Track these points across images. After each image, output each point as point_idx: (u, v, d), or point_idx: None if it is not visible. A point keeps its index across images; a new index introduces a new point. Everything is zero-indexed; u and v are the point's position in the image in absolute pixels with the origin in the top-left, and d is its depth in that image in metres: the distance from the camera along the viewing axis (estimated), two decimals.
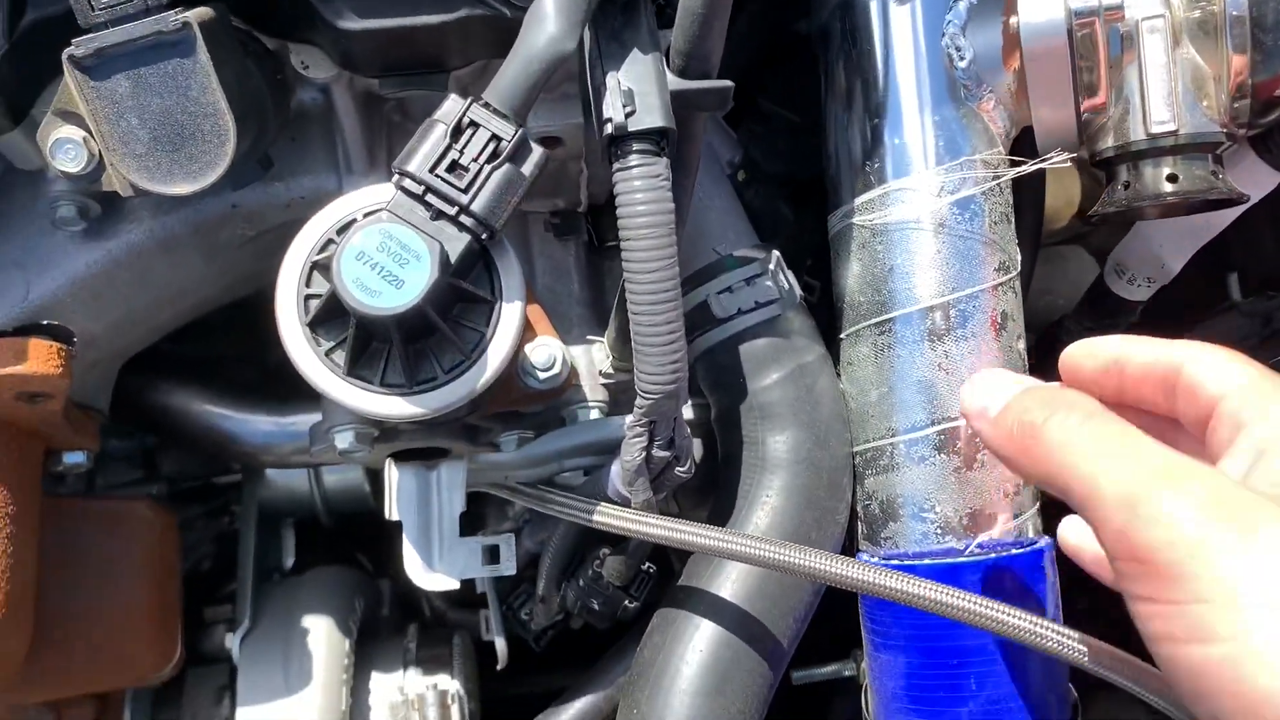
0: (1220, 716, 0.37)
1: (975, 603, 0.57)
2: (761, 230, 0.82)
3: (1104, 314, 0.91)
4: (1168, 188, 0.65)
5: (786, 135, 0.97)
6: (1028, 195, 0.84)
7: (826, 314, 0.77)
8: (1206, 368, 0.46)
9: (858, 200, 0.70)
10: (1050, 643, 0.55)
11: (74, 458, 0.77)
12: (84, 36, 0.53)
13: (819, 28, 0.74)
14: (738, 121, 0.98)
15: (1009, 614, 0.56)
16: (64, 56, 0.54)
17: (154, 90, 0.55)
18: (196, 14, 0.54)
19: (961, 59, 0.68)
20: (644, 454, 0.63)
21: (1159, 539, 0.38)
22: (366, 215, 0.56)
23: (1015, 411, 0.46)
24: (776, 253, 0.73)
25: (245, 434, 0.88)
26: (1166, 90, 0.64)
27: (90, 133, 0.58)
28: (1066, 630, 0.55)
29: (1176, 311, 1.10)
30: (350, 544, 1.13)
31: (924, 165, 0.69)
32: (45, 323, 0.68)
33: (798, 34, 0.90)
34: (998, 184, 0.68)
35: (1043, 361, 1.00)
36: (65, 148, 0.59)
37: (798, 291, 0.74)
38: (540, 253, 0.79)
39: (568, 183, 0.77)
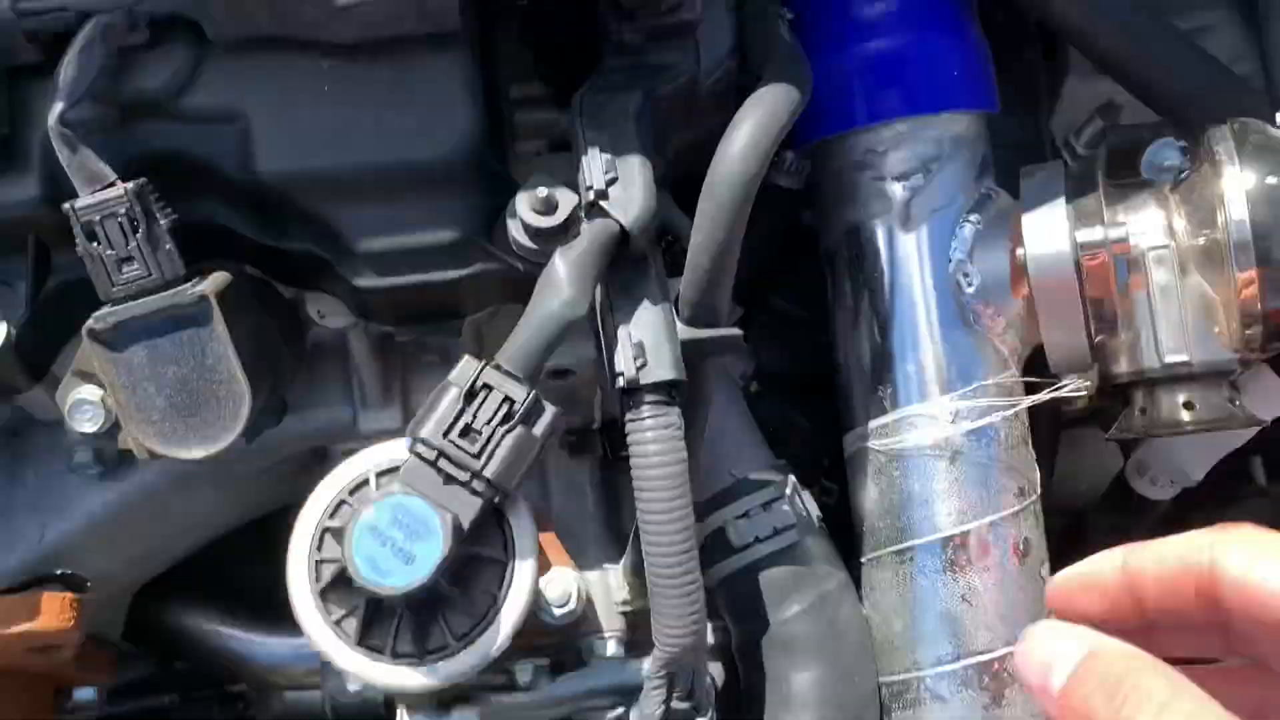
0: None
1: None
2: (777, 440, 0.81)
3: (1128, 511, 0.89)
4: (1185, 416, 0.65)
5: (799, 331, 0.97)
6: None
7: (846, 516, 0.76)
8: (1244, 565, 0.38)
9: (872, 424, 0.70)
10: None
11: (84, 694, 0.76)
12: (103, 310, 0.54)
13: (825, 249, 0.75)
14: (750, 319, 0.99)
15: None
16: (83, 330, 0.54)
17: (170, 359, 0.55)
18: (213, 282, 0.56)
19: (969, 285, 0.68)
20: (664, 707, 0.61)
21: None
22: (379, 475, 0.56)
23: (1078, 695, 0.39)
24: (793, 477, 0.73)
25: (259, 655, 0.86)
26: (1178, 319, 0.64)
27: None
28: None
29: (1202, 498, 1.08)
30: None
31: (937, 391, 0.68)
32: (59, 571, 0.68)
33: (807, 228, 0.91)
34: (1014, 410, 0.68)
35: (1065, 556, 0.98)
36: (83, 408, 0.59)
37: (815, 514, 0.73)
38: (555, 472, 0.78)
39: (581, 402, 0.77)
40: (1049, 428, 0.85)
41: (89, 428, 0.60)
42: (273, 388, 0.62)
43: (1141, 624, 0.41)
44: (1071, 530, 0.97)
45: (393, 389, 0.72)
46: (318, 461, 0.78)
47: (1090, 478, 1.03)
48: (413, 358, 0.72)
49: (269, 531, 0.88)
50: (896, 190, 0.70)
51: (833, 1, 0.70)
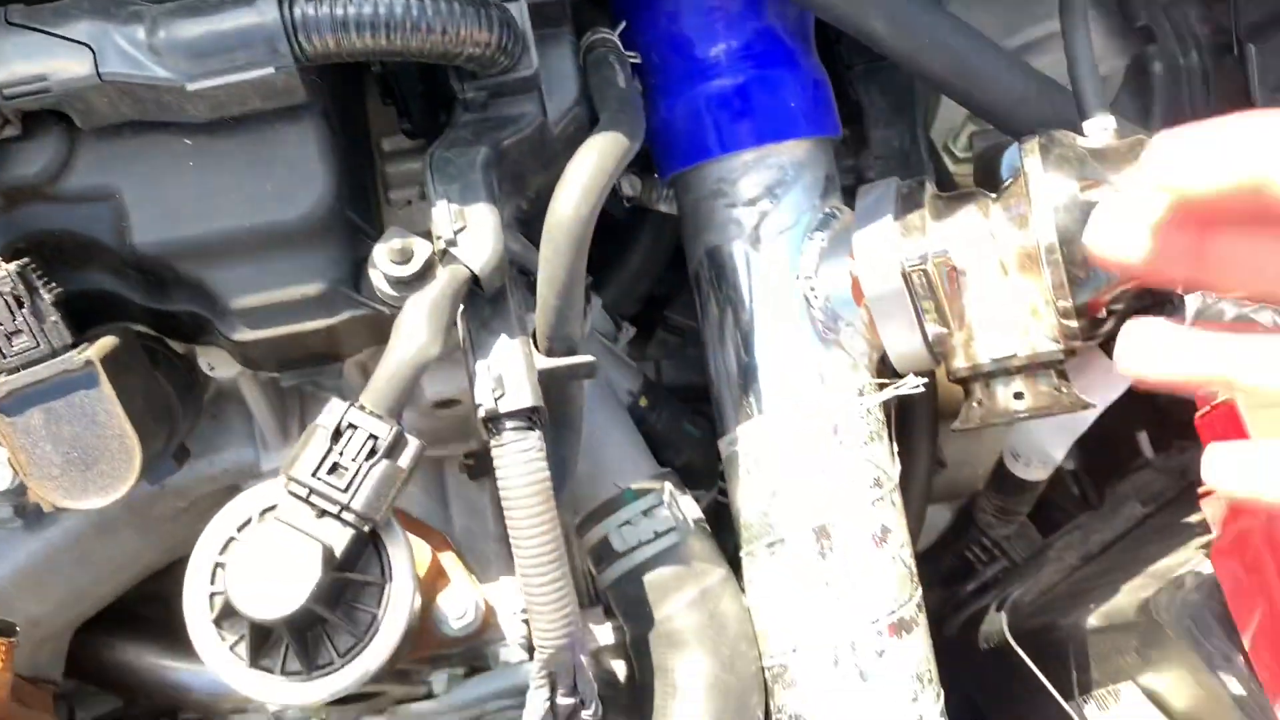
0: None
1: None
2: (670, 451, 0.87)
3: (1010, 491, 0.95)
4: (1016, 405, 0.70)
5: (695, 345, 1.03)
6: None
7: None
8: None
9: (739, 429, 0.76)
10: None
11: None
12: None
13: (691, 273, 0.80)
14: (651, 335, 1.05)
15: None
16: None
17: (64, 419, 0.60)
18: (99, 348, 0.61)
19: (816, 298, 0.74)
20: (549, 704, 0.66)
21: None
22: (263, 513, 0.61)
23: None
24: (669, 484, 0.78)
25: (200, 684, 0.91)
26: (1003, 317, 0.70)
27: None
28: None
29: (1097, 473, 1.14)
30: None
31: (795, 396, 0.74)
32: None
33: None
34: (864, 408, 0.74)
35: (960, 536, 1.04)
36: None
37: (695, 515, 0.79)
38: (456, 494, 0.84)
39: (476, 428, 0.82)
40: (927, 423, 0.91)
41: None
42: (169, 436, 0.67)
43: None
44: (965, 510, 1.03)
45: (291, 429, 0.77)
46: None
47: (987, 462, 1.09)
48: (310, 400, 0.78)
49: None
50: (747, 215, 0.76)
51: (679, 44, 0.76)
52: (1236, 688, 0.68)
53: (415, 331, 0.60)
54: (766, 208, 0.75)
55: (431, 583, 0.74)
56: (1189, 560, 0.71)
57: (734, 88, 0.75)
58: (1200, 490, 0.68)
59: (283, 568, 0.57)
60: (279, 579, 0.56)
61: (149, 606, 0.94)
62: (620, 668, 0.81)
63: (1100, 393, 0.75)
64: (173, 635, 0.93)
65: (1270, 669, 0.64)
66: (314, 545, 0.57)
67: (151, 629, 0.93)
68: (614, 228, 0.96)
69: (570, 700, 0.67)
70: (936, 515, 1.14)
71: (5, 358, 0.59)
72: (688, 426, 0.90)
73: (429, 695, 0.81)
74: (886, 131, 0.93)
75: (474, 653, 0.78)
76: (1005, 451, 0.92)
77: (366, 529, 0.59)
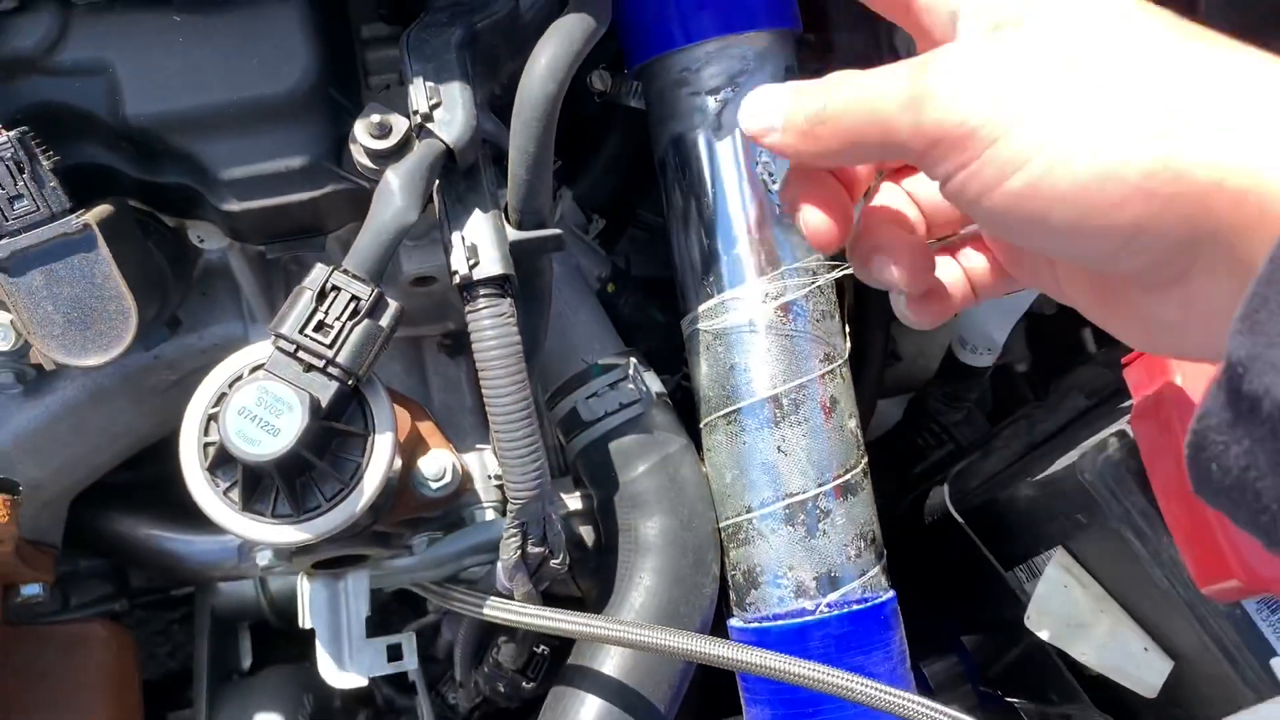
0: (1056, 237, 0.39)
1: (811, 669, 0.66)
2: (636, 335, 0.92)
3: (958, 378, 1.01)
4: None
5: (664, 241, 1.07)
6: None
7: None
8: None
9: (700, 309, 0.80)
10: (882, 703, 0.64)
11: (31, 590, 0.86)
12: (1, 242, 0.63)
13: (657, 161, 0.84)
14: (622, 230, 1.09)
15: (836, 676, 0.65)
16: None
17: (64, 281, 0.65)
18: (96, 213, 0.65)
19: (774, 183, 0.78)
20: (520, 552, 0.72)
21: (943, 113, 0.40)
22: (253, 370, 0.65)
23: (797, 116, 0.48)
24: (633, 359, 0.83)
25: (190, 554, 0.96)
26: None
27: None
28: (898, 692, 0.64)
29: (1045, 369, 1.20)
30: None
31: (752, 275, 0.79)
32: None
33: None
34: (816, 286, 0.78)
35: (911, 424, 1.10)
36: None
37: (656, 390, 0.84)
38: (434, 371, 0.89)
39: (453, 309, 0.87)
40: (881, 315, 0.96)
41: (2, 346, 0.69)
42: (162, 304, 0.71)
43: None
44: (916, 401, 1.09)
45: (278, 304, 0.81)
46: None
47: (936, 357, 1.14)
48: (295, 277, 0.82)
49: None
50: (710, 103, 0.80)
51: None
52: (1149, 541, 0.74)
53: (394, 198, 0.64)
54: (728, 96, 0.79)
55: (411, 448, 0.79)
56: (1114, 426, 0.77)
57: None
58: (1123, 358, 0.73)
59: (272, 416, 0.61)
60: (269, 426, 0.61)
61: (144, 486, 0.99)
62: (588, 534, 0.87)
63: None
64: (166, 510, 0.98)
65: (1178, 519, 0.70)
66: (302, 395, 0.61)
67: (146, 504, 0.98)
68: (585, 123, 1.00)
69: (540, 549, 0.73)
70: (892, 413, 1.20)
71: (7, 221, 0.63)
72: (654, 312, 0.94)
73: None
74: (851, 36, 0.96)
75: (451, 517, 0.83)
76: (954, 341, 0.98)
77: (350, 383, 0.64)
